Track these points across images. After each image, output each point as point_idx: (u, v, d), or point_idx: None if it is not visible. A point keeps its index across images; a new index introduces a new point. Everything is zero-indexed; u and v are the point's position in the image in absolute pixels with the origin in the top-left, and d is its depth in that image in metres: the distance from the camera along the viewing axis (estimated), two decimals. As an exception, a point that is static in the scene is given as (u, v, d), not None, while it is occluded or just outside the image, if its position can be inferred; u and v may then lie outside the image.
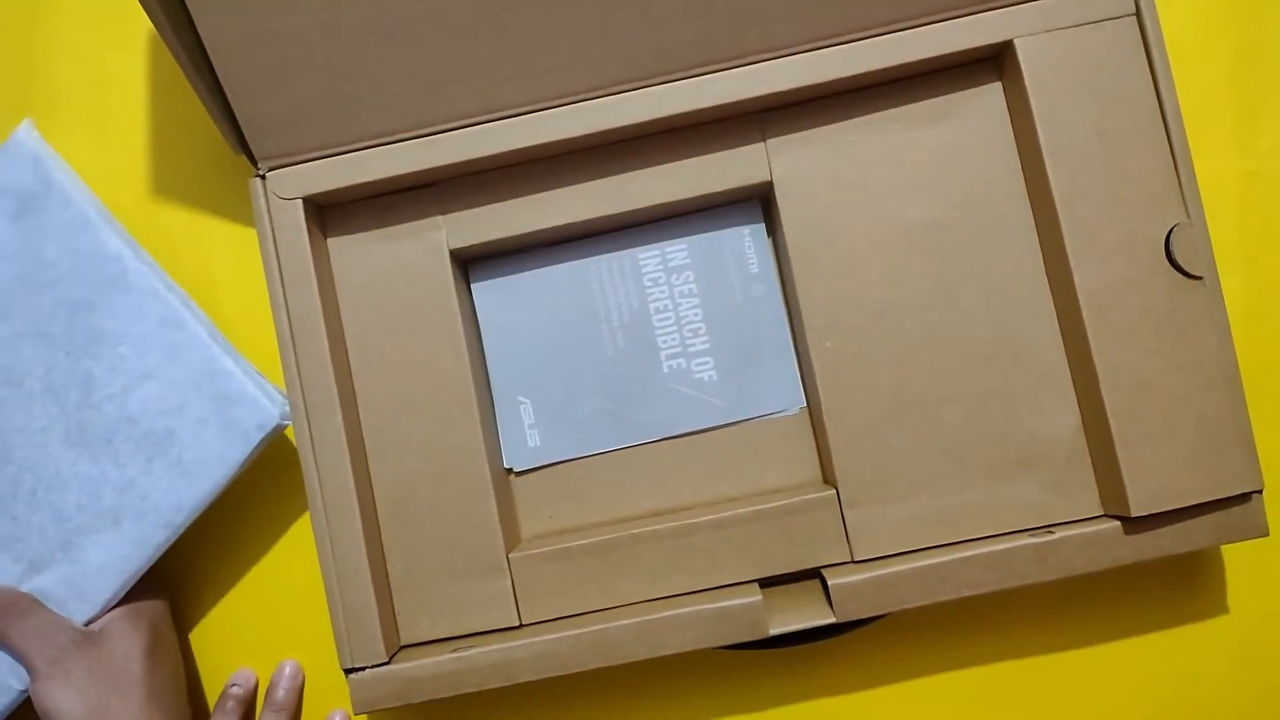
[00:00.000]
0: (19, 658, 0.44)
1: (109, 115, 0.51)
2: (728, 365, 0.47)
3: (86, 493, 0.45)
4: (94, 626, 0.45)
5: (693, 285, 0.47)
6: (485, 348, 0.47)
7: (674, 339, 0.47)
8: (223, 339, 0.47)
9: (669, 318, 0.47)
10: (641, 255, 0.47)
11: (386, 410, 0.45)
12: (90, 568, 0.45)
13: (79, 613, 0.45)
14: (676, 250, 0.47)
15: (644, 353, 0.47)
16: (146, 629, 0.45)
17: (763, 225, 0.47)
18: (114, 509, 0.45)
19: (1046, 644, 0.47)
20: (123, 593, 0.45)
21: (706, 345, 0.47)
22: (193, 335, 0.46)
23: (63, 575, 0.45)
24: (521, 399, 0.47)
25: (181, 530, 0.46)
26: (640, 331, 0.47)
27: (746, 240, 0.47)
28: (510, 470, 0.47)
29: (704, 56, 0.42)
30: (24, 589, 0.45)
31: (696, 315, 0.47)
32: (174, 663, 0.47)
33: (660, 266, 0.47)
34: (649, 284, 0.47)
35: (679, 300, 0.47)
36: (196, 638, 0.48)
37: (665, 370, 0.47)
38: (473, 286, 0.48)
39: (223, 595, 0.49)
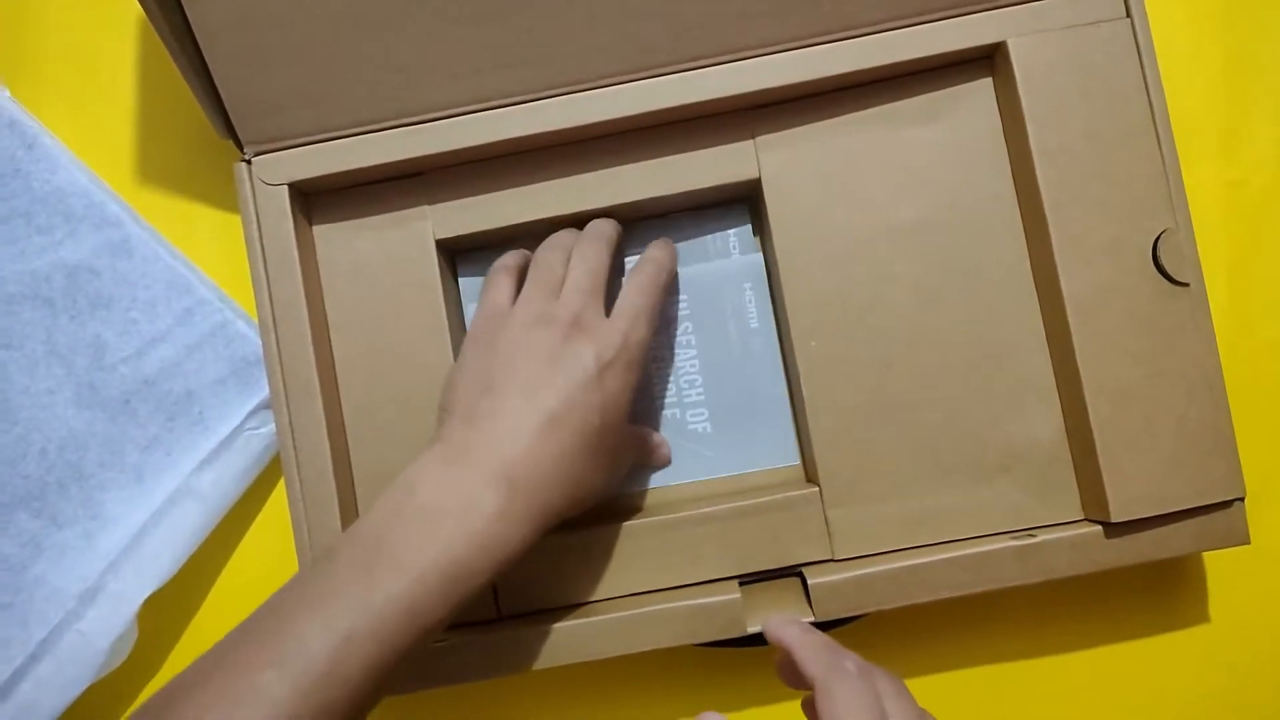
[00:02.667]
0: None
1: (96, 97, 0.50)
2: (722, 419, 0.47)
3: (109, 451, 0.46)
4: None
5: (690, 336, 0.47)
6: None
7: (670, 388, 0.47)
8: (233, 302, 0.48)
9: (665, 367, 0.47)
10: (627, 262, 0.47)
11: (368, 399, 0.44)
12: (109, 522, 0.46)
13: (97, 566, 0.45)
14: (673, 301, 0.47)
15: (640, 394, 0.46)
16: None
17: (748, 229, 0.47)
18: (137, 465, 0.46)
19: (1026, 649, 0.47)
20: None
21: (702, 397, 0.47)
22: (202, 299, 0.47)
23: (84, 530, 0.46)
24: None
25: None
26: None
27: (748, 295, 0.47)
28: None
29: (694, 51, 0.42)
30: (44, 545, 0.46)
31: (693, 367, 0.47)
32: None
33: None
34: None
35: (676, 351, 0.47)
36: (163, 620, 0.48)
37: (663, 416, 0.47)
38: (460, 282, 0.47)
39: (194, 580, 0.48)
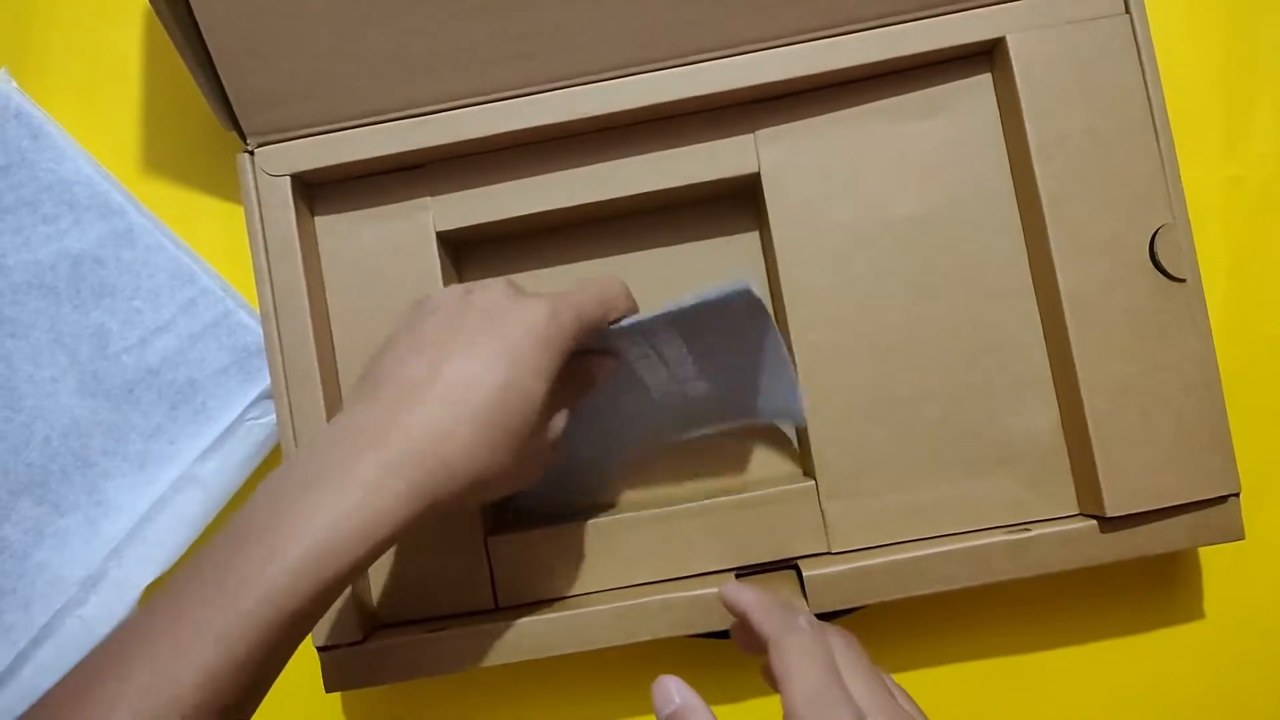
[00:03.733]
0: None
1: (101, 88, 0.50)
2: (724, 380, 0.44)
3: (112, 439, 0.47)
4: None
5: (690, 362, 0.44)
6: None
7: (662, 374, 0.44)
8: (236, 293, 0.48)
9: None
10: (632, 355, 0.43)
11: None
12: (112, 509, 0.46)
13: (99, 552, 0.45)
14: (666, 342, 0.42)
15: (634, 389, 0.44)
16: None
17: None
18: (140, 453, 0.47)
19: (1022, 644, 0.47)
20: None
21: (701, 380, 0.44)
22: (205, 289, 0.48)
23: (86, 517, 0.46)
24: None
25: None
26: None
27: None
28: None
29: (695, 45, 0.43)
30: (46, 532, 0.46)
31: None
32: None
33: (656, 358, 0.43)
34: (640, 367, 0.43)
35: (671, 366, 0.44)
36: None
37: (656, 397, 0.45)
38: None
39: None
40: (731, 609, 0.35)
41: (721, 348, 0.43)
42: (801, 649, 0.31)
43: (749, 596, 0.34)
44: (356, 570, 0.32)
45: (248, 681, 0.30)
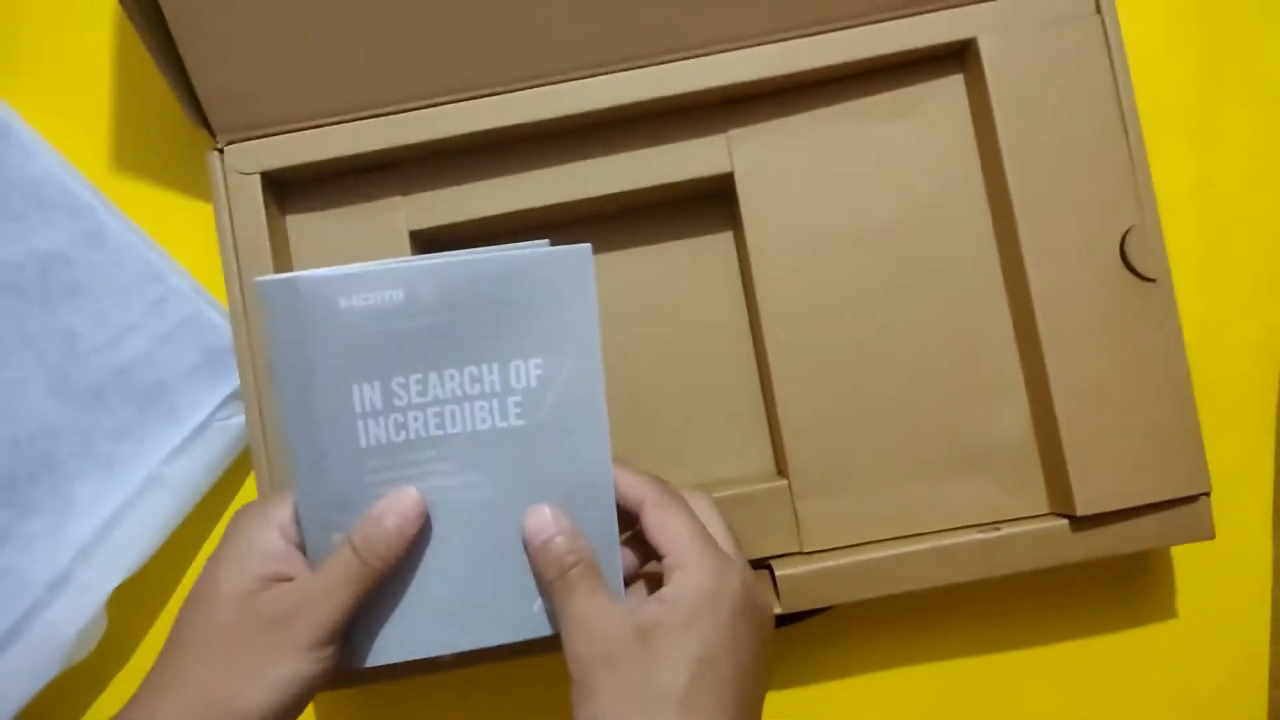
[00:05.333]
0: (563, 636, 0.34)
1: (71, 86, 0.50)
2: (523, 344, 0.35)
3: (80, 441, 0.46)
4: (637, 628, 0.33)
5: (402, 379, 0.35)
6: None
7: (480, 407, 0.35)
8: (206, 292, 0.48)
9: (452, 412, 0.35)
10: (362, 442, 0.34)
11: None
12: (79, 511, 0.46)
13: (66, 555, 0.45)
14: (361, 394, 0.34)
15: (495, 451, 0.35)
16: (699, 649, 0.32)
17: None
18: (108, 455, 0.46)
19: (994, 643, 0.47)
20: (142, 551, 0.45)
21: (493, 365, 0.35)
22: (175, 288, 0.47)
23: (53, 520, 0.46)
24: None
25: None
26: (464, 452, 0.35)
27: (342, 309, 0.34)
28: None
29: (667, 45, 0.42)
30: (11, 534, 0.45)
31: (452, 376, 0.35)
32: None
33: (376, 421, 0.34)
34: (401, 437, 0.34)
35: (424, 399, 0.35)
36: (132, 610, 0.48)
37: (519, 423, 0.35)
38: None
39: (164, 570, 0.48)
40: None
41: (465, 330, 0.34)
42: (680, 507, 0.35)
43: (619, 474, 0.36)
44: None
45: None
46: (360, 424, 0.34)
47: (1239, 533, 0.47)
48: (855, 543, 0.43)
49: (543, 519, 0.35)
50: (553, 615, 0.35)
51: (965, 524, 0.43)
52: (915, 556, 0.41)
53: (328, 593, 0.33)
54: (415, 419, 0.34)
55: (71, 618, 0.44)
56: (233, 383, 0.46)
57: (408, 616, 0.35)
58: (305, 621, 0.33)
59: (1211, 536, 0.42)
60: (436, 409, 0.34)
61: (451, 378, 0.34)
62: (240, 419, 0.46)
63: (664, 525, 0.34)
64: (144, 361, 0.47)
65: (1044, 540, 0.41)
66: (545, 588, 0.35)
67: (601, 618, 0.33)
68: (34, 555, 0.45)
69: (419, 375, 0.34)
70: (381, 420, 0.34)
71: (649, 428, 0.47)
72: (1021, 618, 0.47)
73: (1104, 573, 0.47)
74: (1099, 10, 0.42)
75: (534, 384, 0.35)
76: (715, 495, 0.43)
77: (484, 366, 0.35)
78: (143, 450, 0.46)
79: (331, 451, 0.34)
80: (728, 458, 0.47)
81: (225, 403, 0.46)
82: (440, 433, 0.34)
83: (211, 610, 0.33)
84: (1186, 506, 0.41)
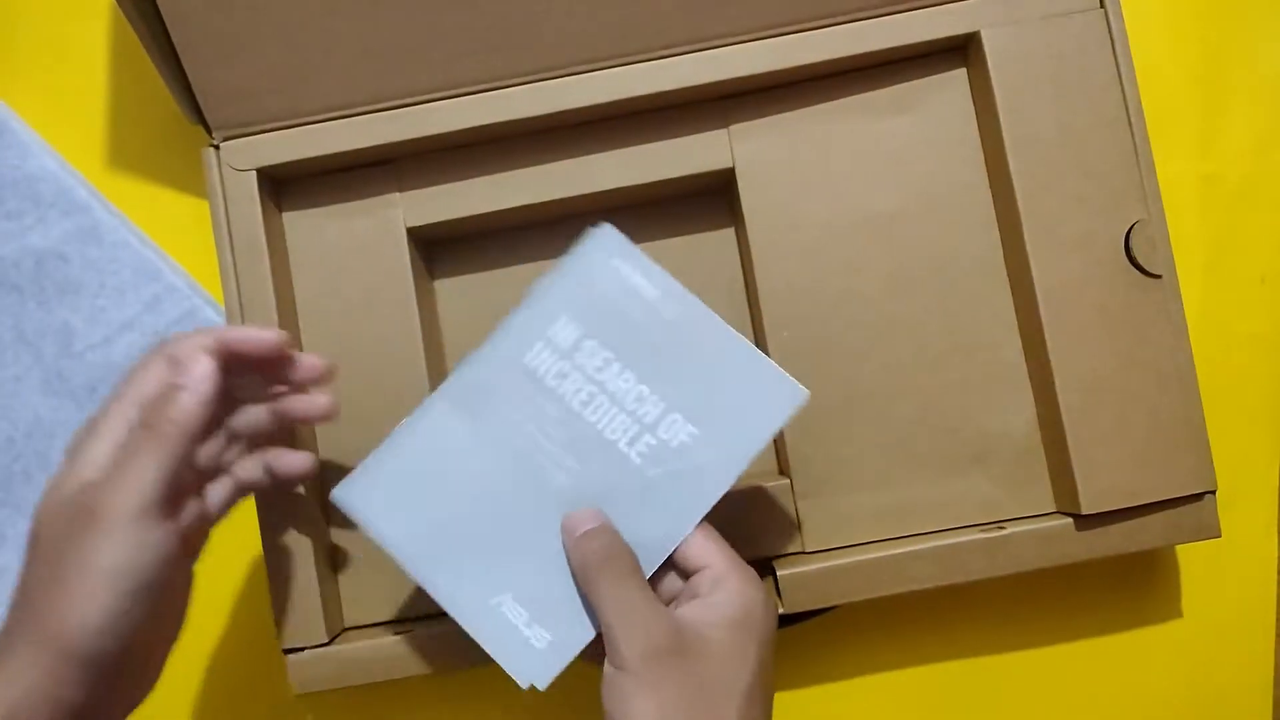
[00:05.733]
0: (602, 627, 0.35)
1: (66, 83, 0.50)
2: (696, 409, 0.38)
3: None
4: (688, 627, 0.34)
5: (599, 348, 0.38)
6: (446, 345, 0.47)
7: (622, 421, 0.38)
8: (202, 289, 0.47)
9: (602, 403, 0.38)
10: (528, 358, 0.38)
11: (336, 386, 0.44)
12: None
13: None
14: (561, 328, 0.38)
15: (602, 459, 0.38)
16: (755, 652, 0.34)
17: (612, 231, 0.39)
18: None
19: (998, 644, 0.47)
20: None
21: (660, 403, 0.38)
22: (171, 286, 0.47)
23: None
24: None
25: None
26: (581, 439, 0.38)
27: (622, 269, 0.38)
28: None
29: (668, 39, 0.42)
30: (7, 534, 0.45)
31: (628, 380, 0.38)
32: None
33: (554, 355, 0.38)
34: (554, 383, 0.38)
35: (597, 376, 0.38)
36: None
37: (637, 461, 0.37)
38: (435, 284, 0.47)
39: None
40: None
41: (670, 362, 0.37)
42: (707, 525, 0.37)
43: None
44: None
45: None
46: (538, 344, 0.38)
47: (1244, 531, 0.46)
48: (858, 542, 0.43)
49: (585, 514, 0.36)
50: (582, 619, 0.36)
51: (968, 522, 0.43)
52: (918, 556, 0.41)
53: (124, 471, 0.33)
54: (575, 382, 0.38)
55: (66, 618, 0.44)
56: None
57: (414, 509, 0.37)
58: (108, 503, 0.32)
59: (1217, 535, 0.41)
60: (595, 390, 0.38)
61: (627, 380, 0.38)
62: None
63: (702, 542, 0.37)
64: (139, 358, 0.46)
65: (1049, 539, 0.41)
66: (588, 579, 0.35)
67: (654, 610, 0.34)
68: (29, 555, 0.45)
69: (610, 355, 0.38)
70: (553, 357, 0.38)
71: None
72: (1023, 617, 0.47)
73: (1108, 572, 0.46)
74: (1103, 4, 0.42)
75: (674, 444, 0.37)
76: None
77: (654, 397, 0.38)
78: None
79: (500, 351, 0.38)
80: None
81: None
82: (578, 408, 0.38)
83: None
84: (1192, 505, 0.41)
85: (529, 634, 0.36)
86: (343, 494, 0.38)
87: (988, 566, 0.41)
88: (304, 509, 0.42)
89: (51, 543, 0.33)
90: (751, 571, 0.36)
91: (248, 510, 0.47)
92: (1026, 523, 0.42)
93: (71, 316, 0.47)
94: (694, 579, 0.36)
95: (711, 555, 0.36)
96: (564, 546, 0.37)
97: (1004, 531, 0.41)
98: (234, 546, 0.48)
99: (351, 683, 0.41)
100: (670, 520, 0.37)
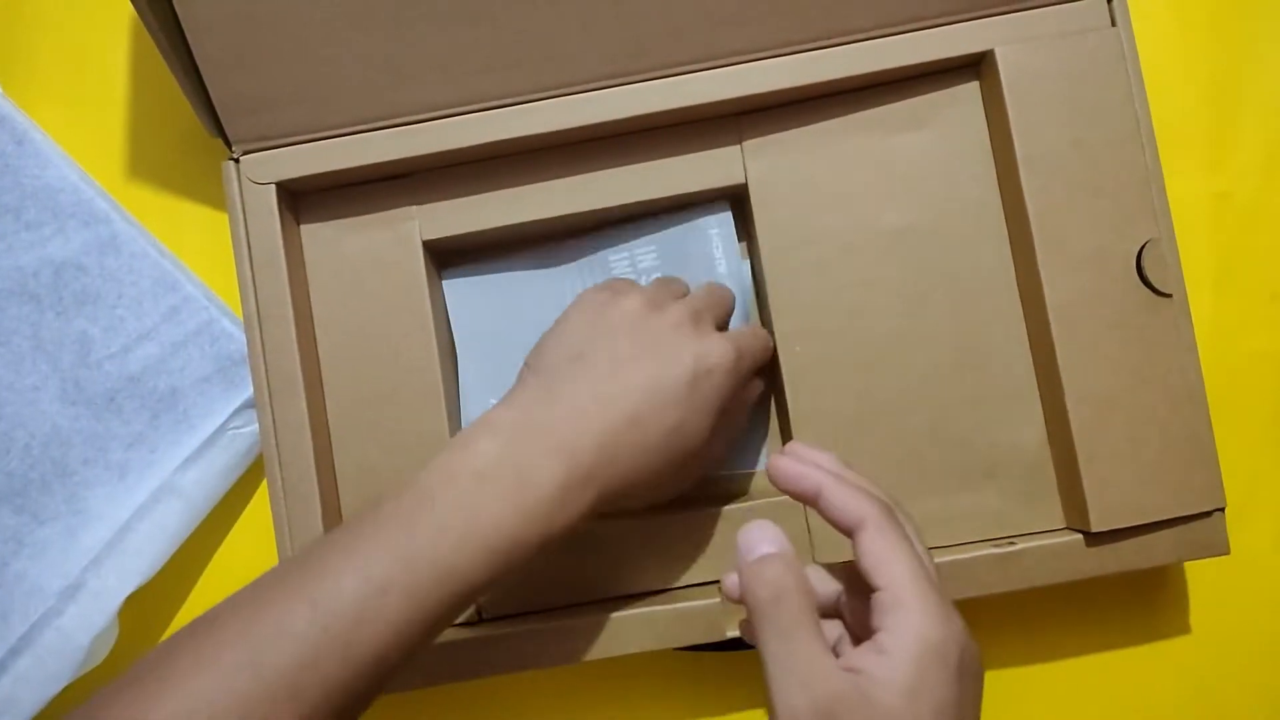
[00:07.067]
0: (767, 677, 0.30)
1: (87, 95, 0.50)
2: None
3: (93, 447, 0.46)
4: (853, 691, 0.29)
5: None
6: (457, 347, 0.47)
7: None
8: (220, 301, 0.48)
9: None
10: (611, 257, 0.47)
11: (353, 399, 0.44)
12: (92, 518, 0.46)
13: (79, 562, 0.45)
14: (645, 251, 0.46)
15: None
16: (928, 701, 0.29)
17: (729, 217, 0.46)
18: (121, 462, 0.46)
19: (1007, 658, 0.47)
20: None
21: None
22: (189, 297, 0.47)
23: (66, 526, 0.46)
24: (492, 400, 0.47)
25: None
26: None
27: (714, 239, 0.46)
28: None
29: (682, 56, 0.42)
30: (25, 541, 0.45)
31: None
32: None
33: (630, 268, 0.47)
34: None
35: None
36: (144, 618, 0.48)
37: None
38: (444, 284, 0.47)
39: (176, 578, 0.48)
40: (793, 490, 0.35)
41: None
42: (898, 531, 0.32)
43: (823, 479, 0.34)
44: (523, 570, 0.34)
45: (416, 647, 0.32)
46: (625, 253, 0.47)
47: (1254, 548, 0.46)
48: (868, 556, 0.43)
49: (763, 532, 0.32)
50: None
51: (979, 537, 0.43)
52: (929, 570, 0.41)
53: None
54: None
55: (84, 625, 0.44)
56: (246, 392, 0.46)
57: None
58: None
59: (1226, 552, 0.41)
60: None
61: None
62: (253, 428, 0.46)
63: (881, 554, 0.31)
64: (157, 369, 0.47)
65: (1059, 555, 0.41)
66: (753, 614, 0.31)
67: (818, 666, 0.29)
68: (47, 562, 0.45)
69: None
70: (629, 271, 0.47)
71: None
72: (1033, 632, 0.47)
73: (1117, 587, 0.47)
74: (1114, 23, 0.42)
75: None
76: (726, 507, 0.43)
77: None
78: (156, 458, 0.46)
79: (600, 249, 0.47)
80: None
81: (238, 411, 0.46)
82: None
83: None
84: (1201, 521, 0.41)
85: None
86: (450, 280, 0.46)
87: (999, 581, 0.41)
88: (314, 515, 0.42)
89: None
90: (939, 599, 0.31)
91: (260, 514, 0.48)
92: (1037, 538, 0.42)
93: (89, 326, 0.47)
94: (874, 599, 0.31)
95: (888, 571, 0.31)
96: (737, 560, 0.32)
97: (1015, 547, 0.41)
98: (242, 551, 0.48)
99: (386, 691, 0.41)
100: None
